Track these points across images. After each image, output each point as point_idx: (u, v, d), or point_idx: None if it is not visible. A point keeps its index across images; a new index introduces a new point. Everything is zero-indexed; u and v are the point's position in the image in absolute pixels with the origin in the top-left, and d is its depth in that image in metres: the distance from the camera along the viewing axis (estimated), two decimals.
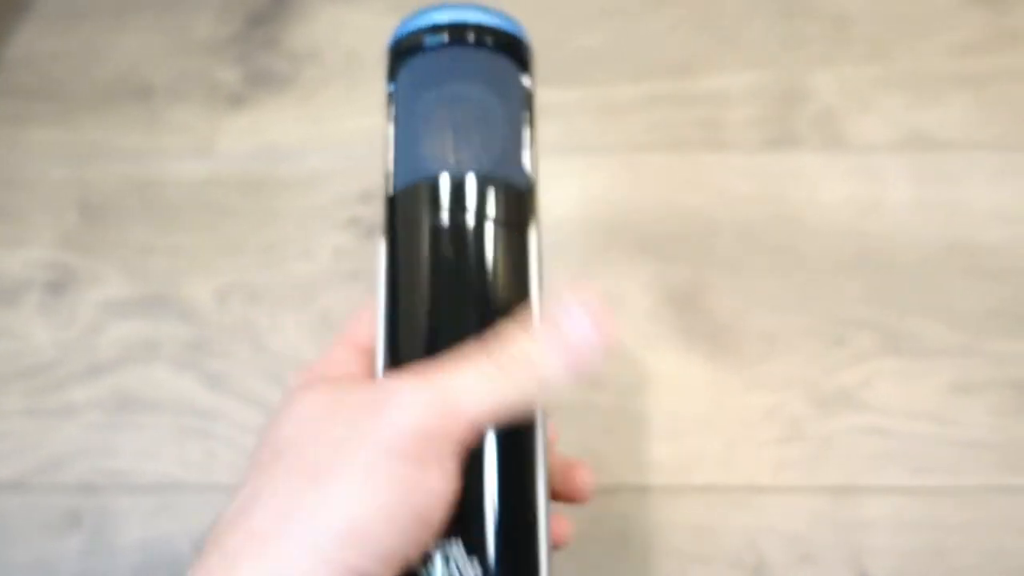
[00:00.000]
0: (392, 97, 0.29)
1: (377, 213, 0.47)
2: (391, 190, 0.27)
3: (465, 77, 0.28)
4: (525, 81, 0.30)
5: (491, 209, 0.27)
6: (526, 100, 0.30)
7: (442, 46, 0.28)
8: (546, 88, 0.51)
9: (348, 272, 0.47)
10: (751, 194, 0.48)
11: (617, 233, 0.47)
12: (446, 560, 0.22)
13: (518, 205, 0.27)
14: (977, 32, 0.51)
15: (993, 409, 0.42)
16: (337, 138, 0.51)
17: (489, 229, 0.26)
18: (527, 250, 0.27)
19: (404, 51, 0.28)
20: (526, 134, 0.30)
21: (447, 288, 0.26)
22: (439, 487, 0.22)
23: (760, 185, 0.48)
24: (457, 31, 0.28)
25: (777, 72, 0.51)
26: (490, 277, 0.26)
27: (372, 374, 0.26)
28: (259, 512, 0.21)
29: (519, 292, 0.26)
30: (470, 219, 0.26)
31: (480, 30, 0.28)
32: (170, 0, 0.55)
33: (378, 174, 0.49)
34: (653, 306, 0.45)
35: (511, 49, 0.30)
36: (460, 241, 0.26)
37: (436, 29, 0.28)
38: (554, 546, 0.27)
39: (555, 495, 0.29)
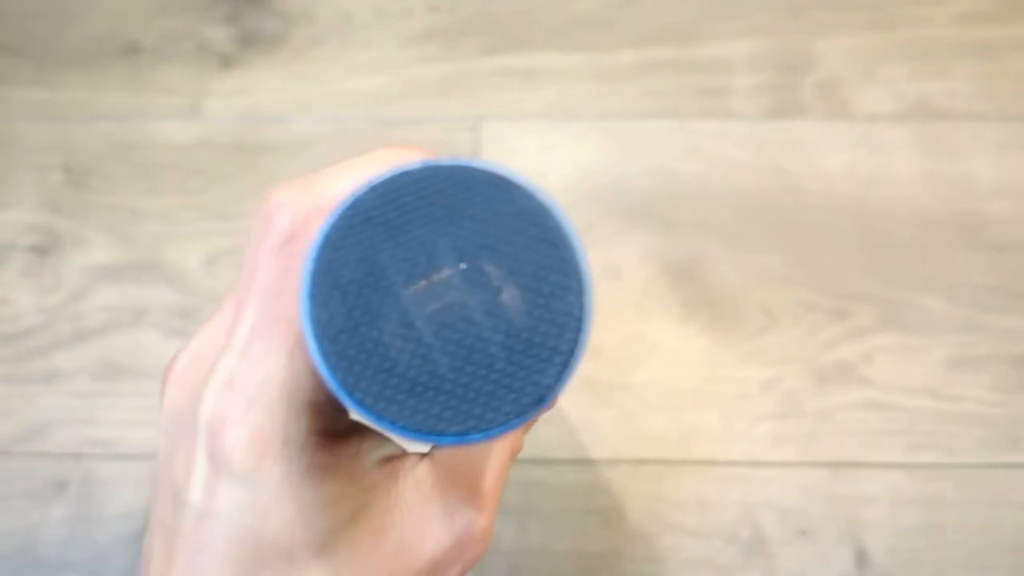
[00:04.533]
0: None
1: None
2: None
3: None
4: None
5: None
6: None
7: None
8: (540, 52, 0.50)
9: None
10: (752, 164, 0.47)
11: (614, 203, 0.46)
12: None
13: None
14: (986, 1, 0.50)
15: (994, 385, 0.42)
16: (328, 101, 0.49)
17: None
18: None
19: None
20: None
21: None
22: None
23: (761, 155, 0.47)
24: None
25: (780, 39, 0.50)
26: None
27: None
28: None
29: None
30: None
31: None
32: None
33: (369, 138, 0.49)
34: (650, 277, 0.45)
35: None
36: None
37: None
38: None
39: None
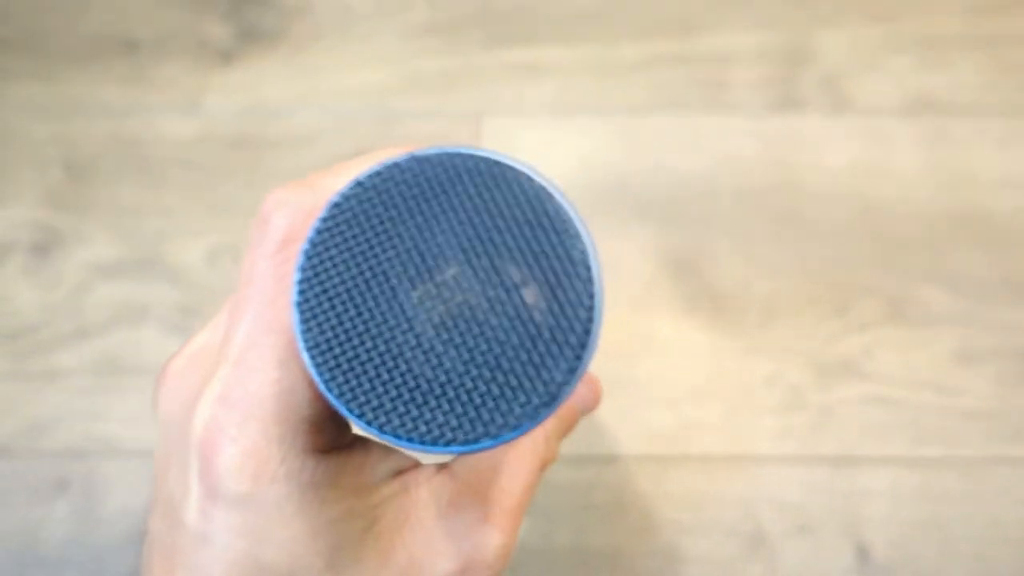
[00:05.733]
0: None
1: None
2: None
3: None
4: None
5: None
6: None
7: None
8: (542, 46, 0.50)
9: None
10: (754, 158, 0.47)
11: (616, 197, 0.46)
12: None
13: None
14: None
15: (996, 379, 0.42)
16: (329, 95, 0.49)
17: None
18: None
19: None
20: None
21: None
22: None
23: (763, 148, 0.47)
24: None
25: (783, 32, 0.49)
26: None
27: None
28: None
29: None
30: None
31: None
32: None
33: (370, 132, 0.48)
34: (652, 272, 0.44)
35: None
36: None
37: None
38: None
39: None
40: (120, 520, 0.40)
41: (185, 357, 0.22)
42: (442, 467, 0.23)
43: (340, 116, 0.49)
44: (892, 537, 0.39)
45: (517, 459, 0.23)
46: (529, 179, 0.18)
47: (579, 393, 0.27)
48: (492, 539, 0.22)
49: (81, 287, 0.45)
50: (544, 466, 0.24)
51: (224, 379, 0.20)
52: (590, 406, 0.28)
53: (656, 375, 0.43)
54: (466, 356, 0.18)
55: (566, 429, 0.26)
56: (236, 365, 0.20)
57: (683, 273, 0.44)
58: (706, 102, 0.48)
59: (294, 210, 0.20)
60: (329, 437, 0.21)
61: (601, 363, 0.42)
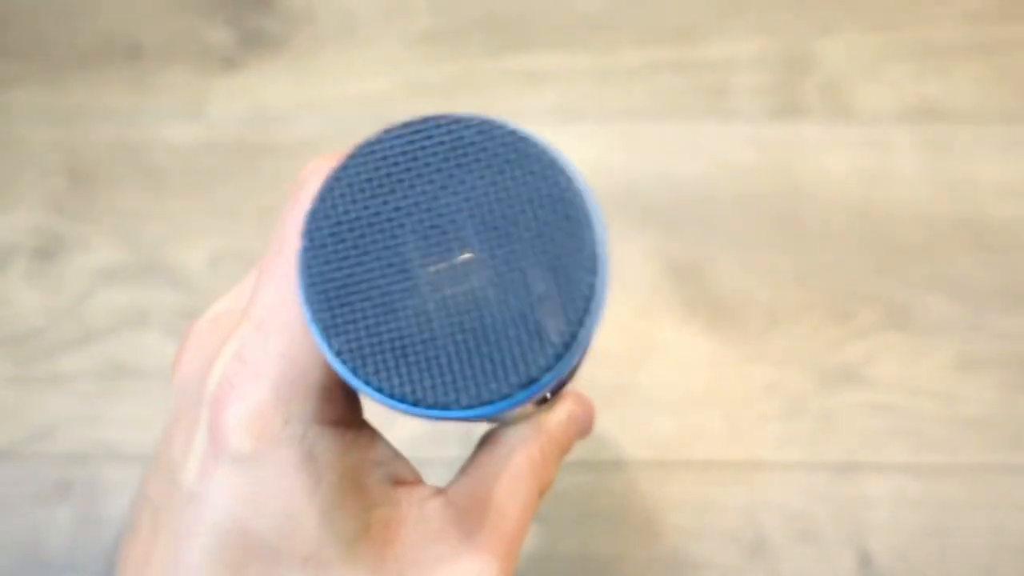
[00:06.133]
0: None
1: None
2: None
3: None
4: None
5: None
6: None
7: None
8: (544, 53, 0.50)
9: None
10: (755, 164, 0.47)
11: (617, 204, 0.46)
12: None
13: None
14: (990, 0, 0.50)
15: (998, 386, 0.42)
16: (331, 102, 0.50)
17: None
18: None
19: None
20: None
21: None
22: None
23: (764, 155, 0.47)
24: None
25: (783, 39, 0.50)
26: None
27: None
28: None
29: None
30: None
31: None
32: None
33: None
34: (654, 278, 0.45)
35: None
36: None
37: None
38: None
39: None
40: (122, 524, 0.40)
41: (208, 320, 0.22)
42: (439, 490, 0.22)
43: (342, 122, 0.49)
44: (894, 544, 0.39)
45: (514, 482, 0.23)
46: (556, 163, 0.18)
47: (575, 415, 0.27)
48: (489, 567, 0.21)
49: (84, 292, 0.45)
50: (543, 490, 0.24)
51: (243, 338, 0.20)
52: (586, 428, 0.28)
53: (658, 380, 0.43)
54: (455, 320, 0.18)
55: (562, 451, 0.26)
56: (258, 326, 0.20)
57: (684, 279, 0.45)
58: (707, 108, 0.48)
59: None
60: (337, 410, 0.20)
61: (602, 368, 0.43)
